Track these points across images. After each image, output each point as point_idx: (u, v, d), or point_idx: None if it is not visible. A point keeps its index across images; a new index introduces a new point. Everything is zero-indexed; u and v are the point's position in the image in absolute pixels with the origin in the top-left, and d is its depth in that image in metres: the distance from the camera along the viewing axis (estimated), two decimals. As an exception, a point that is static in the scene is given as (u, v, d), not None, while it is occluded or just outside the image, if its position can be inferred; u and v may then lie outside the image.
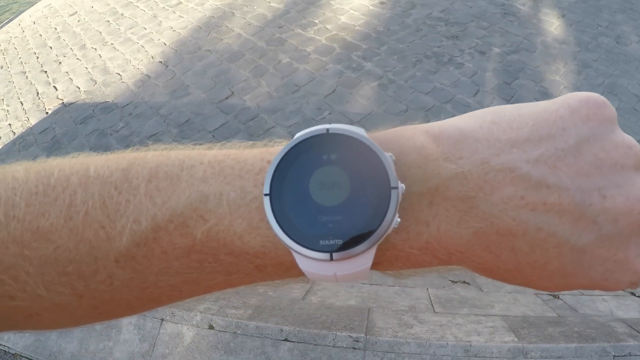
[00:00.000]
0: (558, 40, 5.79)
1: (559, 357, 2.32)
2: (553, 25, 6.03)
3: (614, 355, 2.31)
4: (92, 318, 0.37)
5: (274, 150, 0.36)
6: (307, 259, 0.33)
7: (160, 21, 7.04)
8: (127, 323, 2.54)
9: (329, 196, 0.33)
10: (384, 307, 2.84)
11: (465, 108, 4.80)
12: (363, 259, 0.33)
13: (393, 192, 0.32)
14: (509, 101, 4.86)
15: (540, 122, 0.34)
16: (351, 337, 2.41)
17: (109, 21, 7.42)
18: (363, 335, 2.41)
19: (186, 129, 5.10)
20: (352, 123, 4.71)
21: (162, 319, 2.54)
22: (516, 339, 2.41)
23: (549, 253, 0.32)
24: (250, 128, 4.92)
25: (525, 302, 3.03)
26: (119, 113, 5.61)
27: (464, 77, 5.21)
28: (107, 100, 5.84)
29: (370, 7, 6.43)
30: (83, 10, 8.04)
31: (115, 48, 6.73)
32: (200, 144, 0.39)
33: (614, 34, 6.02)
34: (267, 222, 0.33)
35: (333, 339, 2.41)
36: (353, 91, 5.17)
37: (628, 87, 5.25)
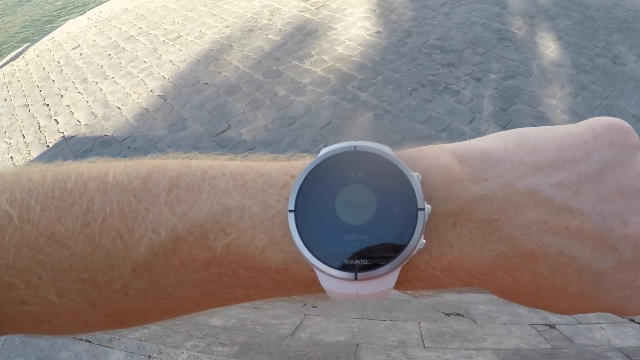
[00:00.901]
0: (554, 64, 5.77)
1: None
2: (549, 48, 6.02)
3: None
4: (105, 326, 0.36)
5: (298, 164, 0.35)
6: (330, 278, 0.33)
7: (160, 55, 7.11)
8: (115, 359, 2.53)
9: (355, 215, 0.33)
10: (373, 342, 2.79)
11: (461, 136, 4.79)
12: (387, 279, 0.33)
13: (420, 213, 0.32)
14: (504, 127, 4.84)
15: (565, 146, 0.34)
16: (336, 375, 2.35)
17: (110, 55, 7.51)
18: (348, 373, 2.35)
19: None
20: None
21: (149, 356, 2.53)
22: (508, 375, 2.37)
23: (569, 277, 0.33)
24: (247, 161, 4.92)
25: (519, 333, 2.99)
26: (117, 147, 5.63)
27: (459, 105, 5.20)
28: (107, 134, 5.87)
29: (367, 37, 6.46)
30: (85, 44, 8.15)
31: (115, 82, 6.80)
32: (222, 155, 0.38)
33: (611, 55, 5.98)
34: (290, 238, 0.32)
35: (318, 377, 2.35)
36: (348, 122, 5.17)
37: (626, 107, 5.20)
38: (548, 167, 0.33)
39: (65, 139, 6.04)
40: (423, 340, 2.83)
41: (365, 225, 0.33)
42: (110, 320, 0.36)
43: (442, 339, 2.88)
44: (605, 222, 0.32)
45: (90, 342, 2.34)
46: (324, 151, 0.34)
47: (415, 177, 0.33)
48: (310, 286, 0.34)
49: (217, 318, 2.86)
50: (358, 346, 2.67)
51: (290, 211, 0.32)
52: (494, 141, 0.35)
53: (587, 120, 0.36)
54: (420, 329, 3.01)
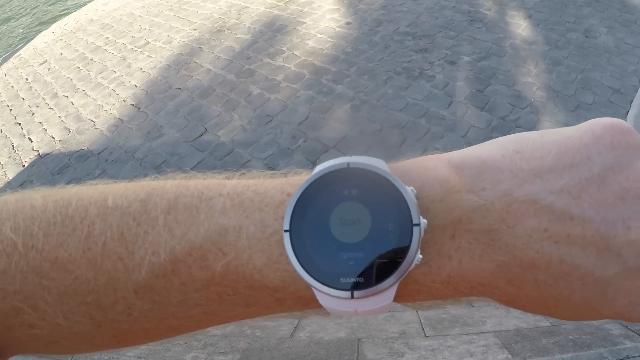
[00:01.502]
0: (527, 42, 5.79)
1: (556, 369, 2.26)
2: (520, 26, 6.03)
3: None
4: (111, 346, 0.37)
5: (294, 181, 0.36)
6: (328, 296, 0.33)
7: (130, 63, 7.00)
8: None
9: (350, 233, 0.33)
10: (374, 336, 2.78)
11: (440, 120, 4.78)
12: (384, 296, 0.33)
13: (415, 229, 0.32)
14: (483, 109, 4.85)
15: (564, 151, 0.33)
16: (342, 374, 2.33)
17: (79, 67, 7.38)
18: (354, 370, 2.33)
19: (163, 171, 4.98)
20: (327, 148, 4.74)
21: (151, 370, 2.49)
22: (510, 356, 2.35)
23: (573, 285, 0.32)
24: (227, 164, 4.86)
25: (518, 313, 2.98)
26: (94, 160, 5.52)
27: (436, 90, 5.18)
28: (82, 148, 5.76)
29: (337, 29, 6.42)
30: (53, 58, 8.00)
31: (86, 94, 6.67)
32: (220, 172, 0.39)
33: (582, 29, 6.02)
34: (287, 257, 0.32)
35: (324, 378, 2.33)
36: (326, 116, 5.12)
37: (601, 80, 5.24)
38: (547, 173, 0.32)
39: (40, 156, 5.93)
40: (423, 329, 2.82)
41: (360, 243, 0.33)
42: (116, 341, 0.36)
43: (442, 325, 2.87)
44: (608, 228, 0.31)
45: (86, 361, 2.29)
46: (318, 168, 0.34)
47: (409, 192, 0.32)
48: (309, 303, 0.34)
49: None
50: (359, 341, 2.66)
51: (286, 231, 0.32)
52: (492, 148, 0.34)
53: (586, 122, 0.35)
54: (419, 317, 3.01)
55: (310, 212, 0.33)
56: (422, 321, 2.93)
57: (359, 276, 0.32)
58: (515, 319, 2.89)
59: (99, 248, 0.33)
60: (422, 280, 0.33)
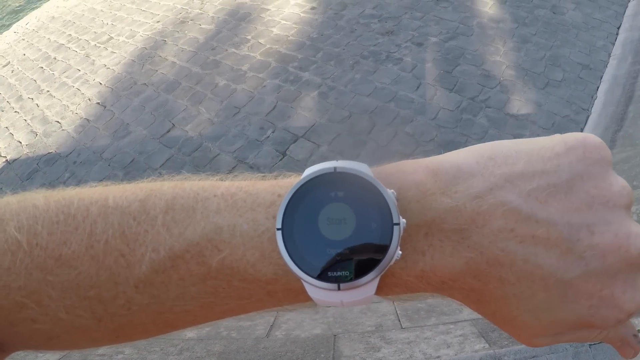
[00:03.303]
0: (494, 20, 5.75)
1: (533, 357, 2.24)
2: (487, 5, 5.99)
3: (590, 345, 2.25)
4: (110, 340, 0.39)
5: (284, 183, 0.38)
6: (316, 288, 0.35)
7: (94, 60, 6.85)
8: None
9: (337, 231, 0.35)
10: (350, 330, 2.76)
11: (409, 104, 4.74)
12: (367, 288, 0.35)
13: (395, 228, 0.34)
14: (451, 90, 4.82)
15: (536, 158, 0.35)
16: (318, 372, 2.30)
17: (42, 67, 7.21)
18: (330, 367, 2.31)
19: (132, 170, 4.94)
20: (296, 138, 4.68)
21: (129, 377, 2.45)
22: (487, 345, 2.33)
23: (535, 285, 0.34)
24: (196, 159, 4.79)
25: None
26: (63, 163, 5.42)
27: (403, 73, 5.13)
28: (50, 151, 5.65)
29: (302, 15, 6.32)
30: (15, 60, 7.81)
31: (51, 95, 6.53)
32: (213, 175, 0.41)
33: (550, 5, 6.00)
34: (279, 252, 0.35)
35: (300, 377, 2.30)
36: (294, 104, 5.05)
37: (570, 56, 5.23)
38: (517, 178, 0.34)
39: (8, 162, 5.81)
40: (400, 321, 2.81)
41: (346, 240, 0.35)
42: (115, 335, 0.38)
43: (418, 316, 2.87)
44: (572, 232, 0.33)
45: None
46: (307, 172, 0.37)
47: (390, 194, 0.35)
48: (298, 295, 0.37)
49: (190, 329, 2.79)
50: (336, 337, 2.65)
51: (278, 229, 0.35)
52: (468, 155, 0.37)
53: (561, 134, 0.37)
54: (395, 308, 2.99)
55: (300, 211, 0.35)
56: (398, 312, 2.91)
57: (345, 270, 0.35)
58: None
59: (101, 245, 0.35)
60: (399, 274, 0.36)
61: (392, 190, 0.35)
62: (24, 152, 5.84)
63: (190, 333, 2.76)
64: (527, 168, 0.35)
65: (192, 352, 2.60)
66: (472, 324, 2.61)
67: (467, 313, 2.79)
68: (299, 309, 0.41)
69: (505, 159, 0.35)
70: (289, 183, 0.38)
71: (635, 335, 0.38)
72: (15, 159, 5.81)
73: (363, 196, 0.36)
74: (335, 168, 0.36)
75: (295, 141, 4.65)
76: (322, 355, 2.44)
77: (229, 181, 0.39)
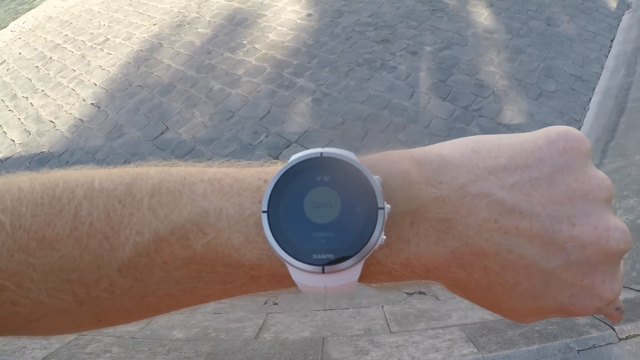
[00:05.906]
0: (489, 30, 5.79)
1: (521, 362, 2.26)
2: (482, 15, 6.03)
3: (578, 350, 2.26)
4: (92, 325, 0.38)
5: (270, 170, 0.38)
6: (300, 271, 0.35)
7: (89, 61, 6.85)
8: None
9: (322, 214, 0.36)
10: (339, 334, 2.76)
11: (402, 112, 4.75)
12: (351, 272, 0.36)
13: (380, 212, 0.35)
14: (445, 99, 4.84)
15: (519, 152, 0.36)
16: (306, 375, 2.30)
17: (38, 67, 7.20)
18: (318, 370, 2.31)
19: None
20: (289, 143, 4.69)
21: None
22: (475, 350, 2.34)
23: (519, 274, 0.35)
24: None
25: (483, 305, 2.96)
26: (56, 163, 5.40)
27: (398, 81, 5.15)
28: (43, 150, 5.63)
29: (298, 21, 6.35)
30: (11, 58, 7.80)
31: (46, 94, 6.52)
32: (200, 161, 0.41)
33: (544, 17, 6.05)
34: (263, 237, 0.35)
35: (289, 380, 2.30)
36: (288, 110, 5.06)
37: (563, 67, 5.27)
38: (501, 171, 0.35)
39: (0, 161, 5.79)
40: (389, 325, 2.82)
41: (331, 224, 0.36)
42: (97, 319, 0.38)
43: (407, 320, 2.87)
44: (553, 223, 0.34)
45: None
46: (293, 157, 0.37)
47: (375, 180, 0.36)
48: (282, 280, 0.37)
49: (178, 330, 2.79)
50: (324, 340, 2.65)
51: (264, 212, 0.35)
52: (452, 147, 0.37)
53: (543, 129, 0.38)
54: (385, 313, 3.00)
55: (286, 195, 0.36)
56: (387, 317, 2.91)
57: (329, 253, 0.35)
58: (481, 311, 2.88)
59: (85, 228, 0.35)
60: (384, 261, 0.36)
61: (377, 177, 0.36)
62: (17, 151, 5.82)
63: (178, 334, 2.75)
64: (510, 161, 0.36)
65: (180, 352, 2.58)
66: (460, 329, 2.62)
67: (456, 318, 2.80)
68: (282, 294, 0.41)
69: (488, 152, 0.36)
70: (275, 169, 0.38)
71: (618, 309, 0.38)
72: (8, 157, 5.79)
73: (349, 181, 0.36)
74: (321, 153, 0.37)
75: (288, 146, 4.65)
76: (311, 358, 2.44)
77: (216, 167, 0.39)
